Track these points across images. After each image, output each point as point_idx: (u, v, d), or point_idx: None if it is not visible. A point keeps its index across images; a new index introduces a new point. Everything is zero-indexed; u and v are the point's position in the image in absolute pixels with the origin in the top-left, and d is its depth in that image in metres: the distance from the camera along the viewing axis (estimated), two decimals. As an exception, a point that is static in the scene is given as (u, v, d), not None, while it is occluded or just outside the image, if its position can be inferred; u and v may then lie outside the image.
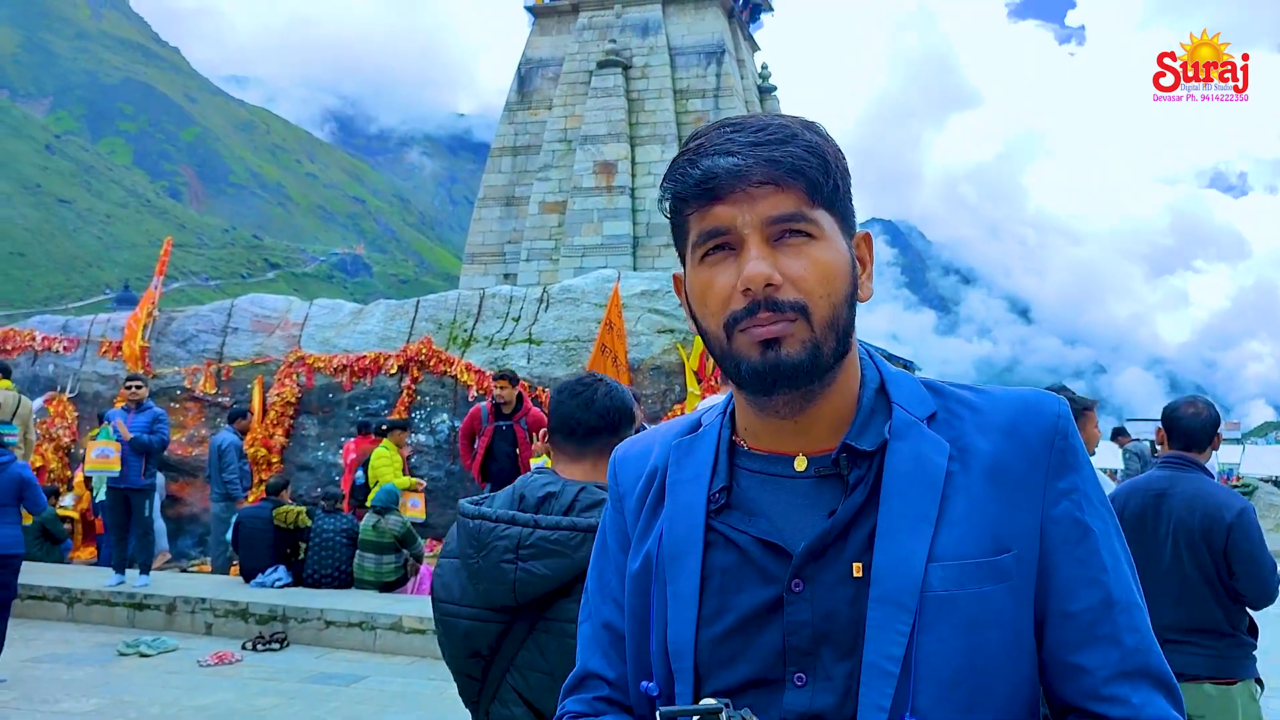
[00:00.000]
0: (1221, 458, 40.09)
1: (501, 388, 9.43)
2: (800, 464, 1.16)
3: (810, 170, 1.10)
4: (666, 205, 1.17)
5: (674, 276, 1.25)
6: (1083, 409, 4.75)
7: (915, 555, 1.07)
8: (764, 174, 1.09)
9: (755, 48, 31.44)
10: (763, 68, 30.50)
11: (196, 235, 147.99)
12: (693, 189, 1.11)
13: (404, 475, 10.63)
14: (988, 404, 1.16)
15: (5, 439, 8.21)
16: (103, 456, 9.30)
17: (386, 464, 10.27)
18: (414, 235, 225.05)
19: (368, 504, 9.48)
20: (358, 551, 8.99)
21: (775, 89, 30.07)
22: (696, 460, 1.22)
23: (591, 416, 2.26)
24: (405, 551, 9.07)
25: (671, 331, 12.71)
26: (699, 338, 9.29)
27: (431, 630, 7.48)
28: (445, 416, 12.40)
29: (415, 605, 8.09)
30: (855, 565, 1.09)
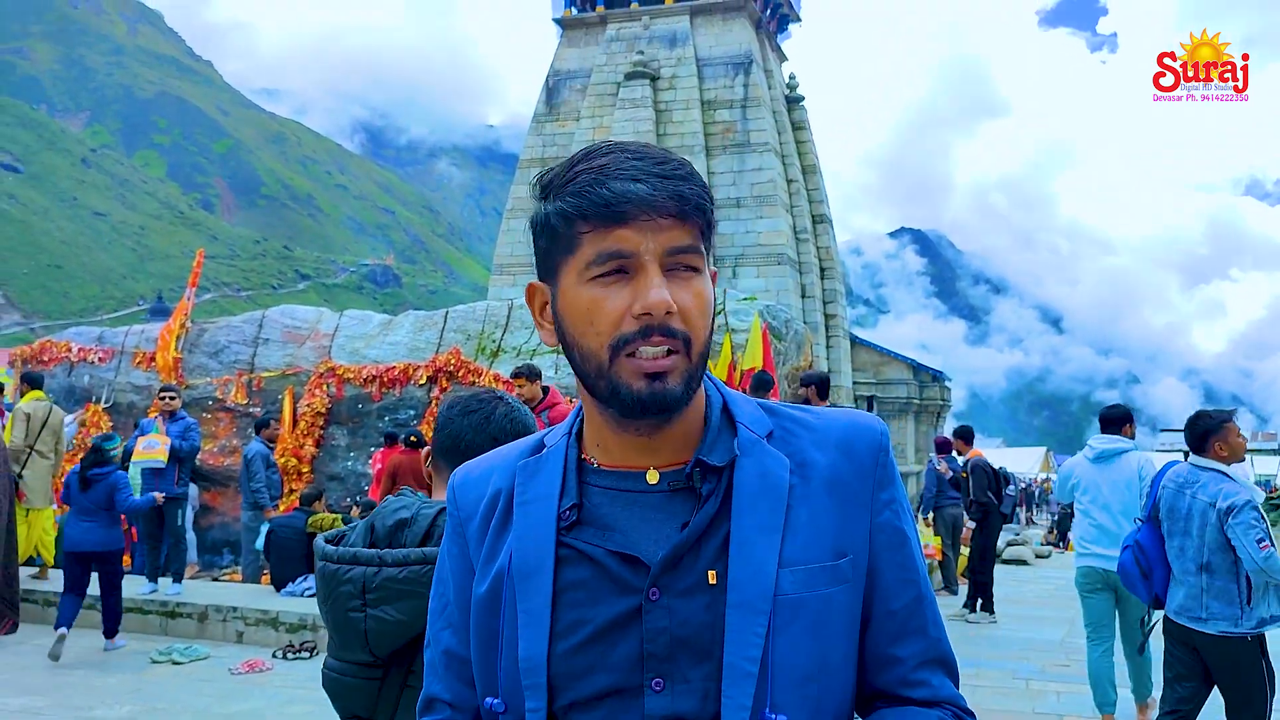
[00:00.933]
0: (1259, 468, 39.45)
1: (520, 385, 8.74)
2: (652, 478, 1.20)
3: (706, 209, 1.17)
4: (553, 216, 1.17)
5: (529, 286, 1.26)
6: (1220, 423, 4.83)
7: (767, 562, 1.14)
8: (672, 206, 1.13)
9: (783, 58, 31.38)
10: (790, 78, 30.36)
11: (228, 246, 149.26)
12: (600, 209, 1.13)
13: None
14: (821, 424, 1.25)
15: (109, 453, 8.54)
16: (150, 448, 9.51)
17: None
18: (443, 246, 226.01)
19: None
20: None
21: (803, 99, 29.93)
22: (543, 479, 1.24)
23: (484, 440, 1.91)
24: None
25: (699, 342, 12.72)
26: (726, 347, 9.30)
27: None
28: (474, 427, 12.50)
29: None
30: (709, 573, 1.15)
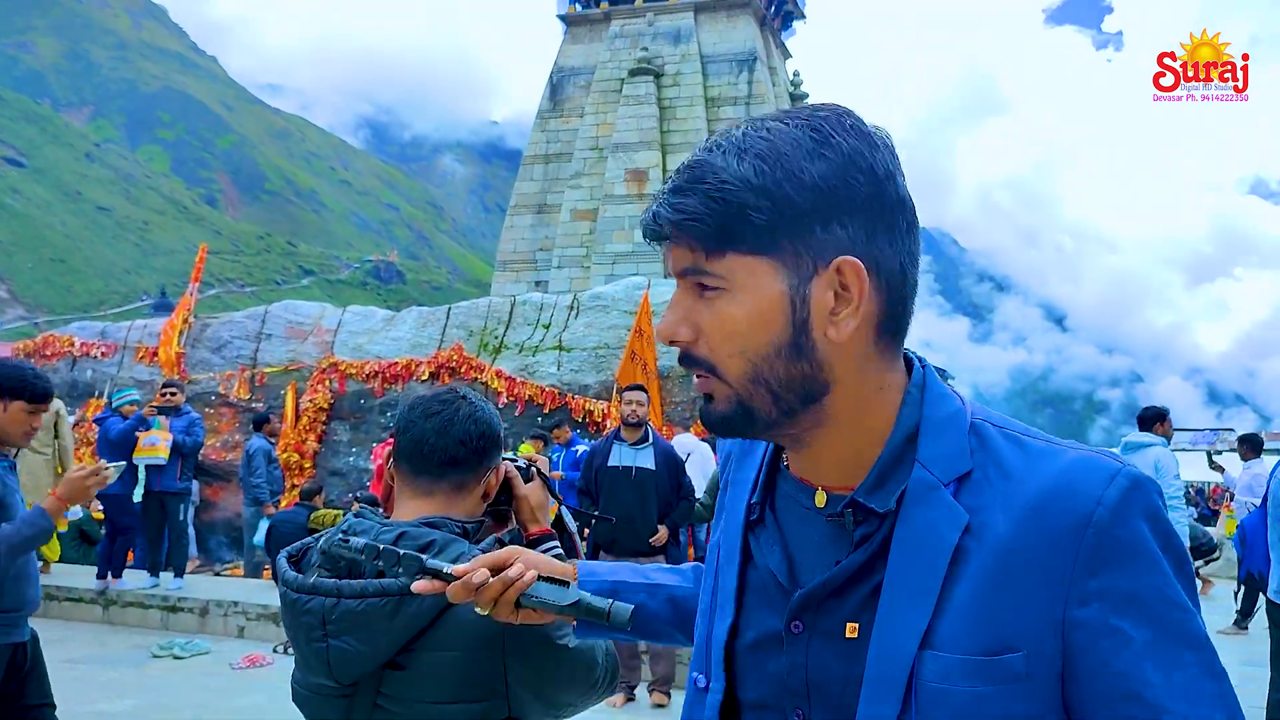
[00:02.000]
0: (1268, 467, 39.03)
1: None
2: (820, 499, 1.08)
3: (697, 226, 1.00)
4: None
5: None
6: None
7: (907, 640, 0.98)
8: (662, 230, 1.03)
9: (787, 55, 31.36)
10: (795, 75, 30.35)
11: (232, 242, 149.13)
12: (644, 231, 1.08)
13: None
14: (1026, 471, 1.01)
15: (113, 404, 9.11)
16: (151, 445, 9.45)
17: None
18: (447, 242, 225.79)
19: None
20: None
21: (807, 96, 29.89)
22: (749, 464, 1.18)
23: (449, 443, 1.82)
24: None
25: (701, 339, 12.71)
26: None
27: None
28: (475, 423, 12.50)
29: (444, 610, 8.16)
30: (849, 625, 1.03)
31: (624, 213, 25.99)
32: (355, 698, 1.71)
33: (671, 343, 1.05)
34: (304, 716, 1.81)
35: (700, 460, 10.18)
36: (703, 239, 1.00)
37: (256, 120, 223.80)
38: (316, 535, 1.86)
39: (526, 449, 10.32)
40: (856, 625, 1.02)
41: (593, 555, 6.72)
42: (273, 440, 11.67)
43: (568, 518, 2.18)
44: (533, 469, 1.99)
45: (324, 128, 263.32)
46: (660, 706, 6.66)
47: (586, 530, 6.76)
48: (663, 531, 6.66)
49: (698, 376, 1.06)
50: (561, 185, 27.56)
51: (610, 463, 6.74)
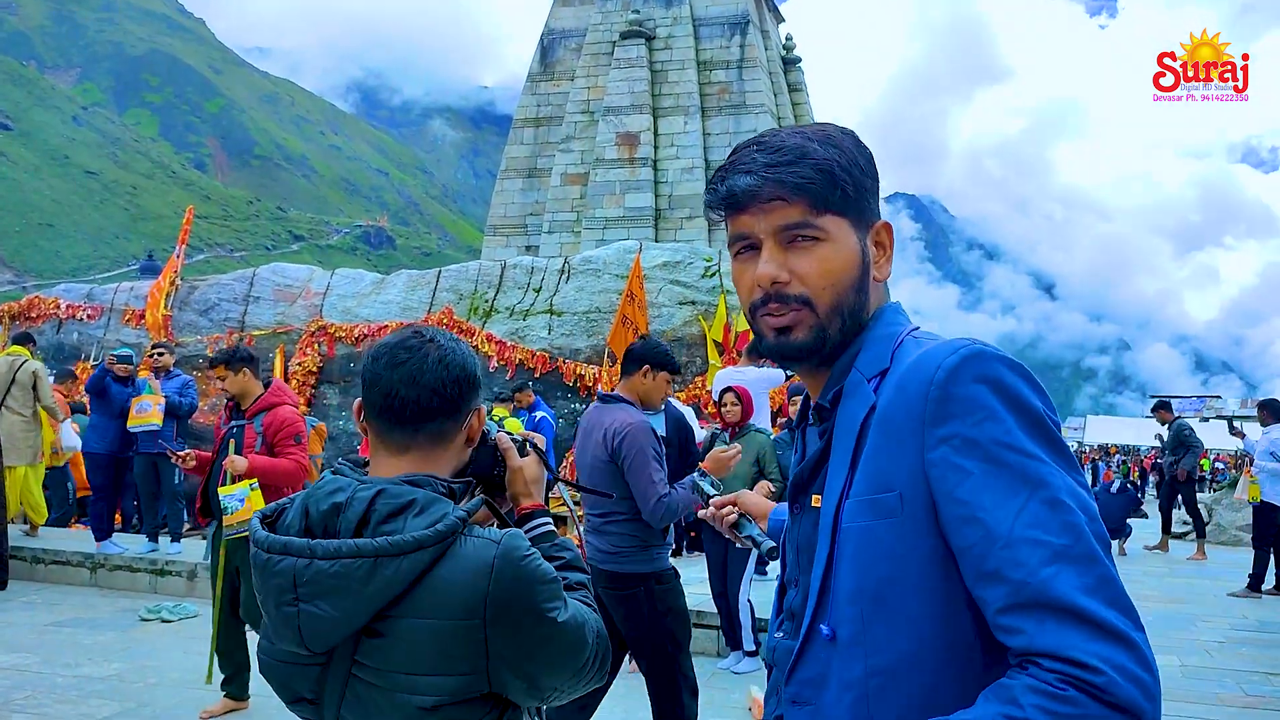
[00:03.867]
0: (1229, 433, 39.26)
1: (221, 375, 8.48)
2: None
3: (814, 187, 1.33)
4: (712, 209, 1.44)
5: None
6: None
7: (836, 494, 1.30)
8: (772, 191, 1.33)
9: (780, 19, 31.02)
10: (787, 39, 30.05)
11: (221, 207, 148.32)
12: (721, 201, 1.40)
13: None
14: (906, 359, 1.31)
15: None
16: (142, 411, 9.23)
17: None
18: (437, 208, 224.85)
19: None
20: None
21: (800, 60, 29.67)
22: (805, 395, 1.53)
23: (421, 392, 1.66)
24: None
25: (693, 303, 12.63)
26: (721, 307, 9.25)
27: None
28: (465, 387, 12.43)
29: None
30: (814, 498, 1.36)
31: (615, 177, 25.80)
32: (329, 667, 1.59)
33: (773, 284, 1.34)
34: (275, 687, 1.68)
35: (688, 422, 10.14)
36: (812, 200, 1.33)
37: (245, 84, 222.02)
38: (294, 495, 1.72)
39: (500, 411, 10.25)
40: (819, 496, 1.35)
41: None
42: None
43: (565, 494, 2.10)
44: (529, 444, 1.89)
45: (313, 91, 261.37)
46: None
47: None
48: None
49: (783, 313, 1.36)
50: (552, 149, 27.30)
51: None
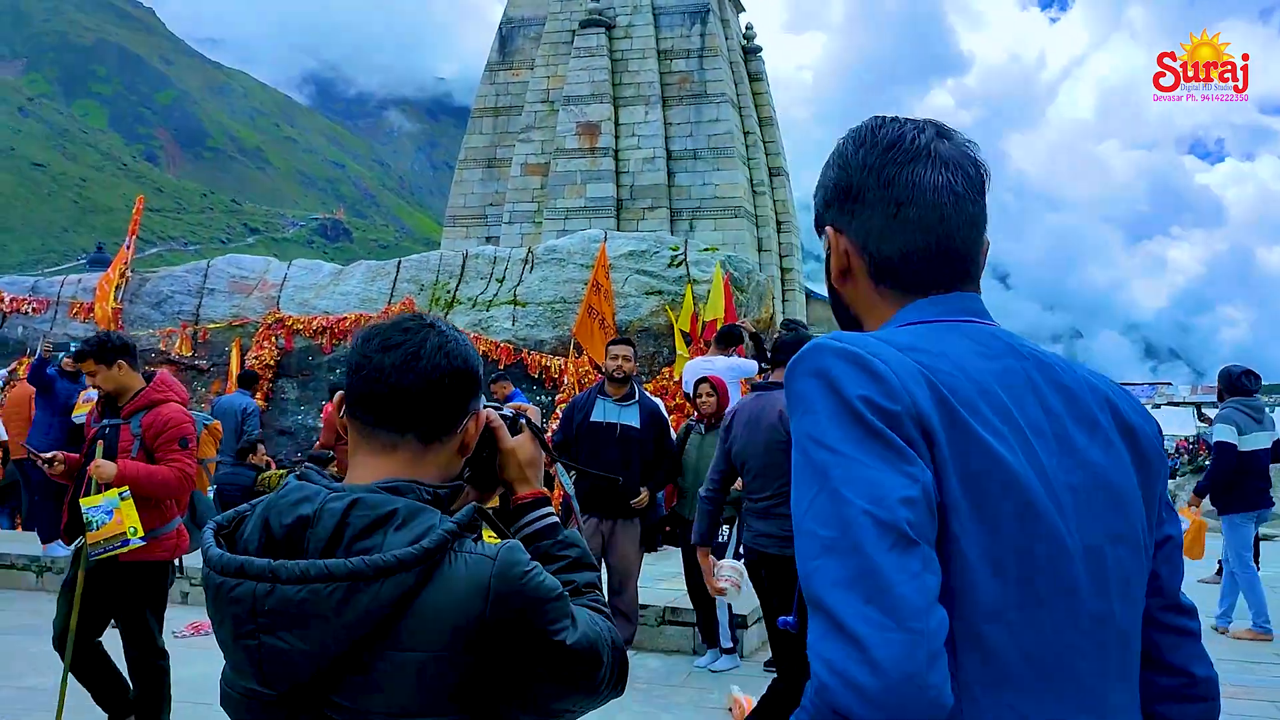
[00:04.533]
0: (1197, 420, 39.95)
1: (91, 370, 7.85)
2: None
3: (816, 203, 1.39)
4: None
5: (829, 231, 1.35)
6: None
7: None
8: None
9: (740, 8, 30.82)
10: (747, 28, 29.87)
11: (174, 199, 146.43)
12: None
13: None
14: None
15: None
16: (89, 400, 8.92)
17: None
18: (394, 200, 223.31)
19: None
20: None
21: (760, 49, 29.49)
22: None
23: (416, 380, 1.45)
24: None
25: (660, 293, 12.43)
26: (688, 298, 9.03)
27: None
28: (428, 380, 12.12)
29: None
30: None
31: (576, 167, 25.62)
32: (296, 708, 1.35)
33: None
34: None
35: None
36: (816, 219, 1.41)
37: (196, 74, 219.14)
38: (254, 501, 1.47)
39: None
40: None
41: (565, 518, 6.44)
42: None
43: (564, 478, 1.84)
44: (521, 419, 1.64)
45: (267, 83, 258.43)
46: None
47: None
48: (644, 494, 6.33)
49: None
50: (511, 139, 27.06)
51: (593, 418, 6.37)
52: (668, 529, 6.64)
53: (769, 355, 8.90)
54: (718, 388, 6.54)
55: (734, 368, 8.40)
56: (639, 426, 6.32)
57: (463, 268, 12.93)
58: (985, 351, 1.20)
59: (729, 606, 6.34)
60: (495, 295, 12.55)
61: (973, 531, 1.07)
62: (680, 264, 12.63)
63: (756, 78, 28.83)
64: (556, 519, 1.58)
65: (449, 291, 12.71)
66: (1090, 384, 1.25)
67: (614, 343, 6.63)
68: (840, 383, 1.11)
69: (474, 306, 12.47)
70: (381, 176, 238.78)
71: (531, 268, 12.76)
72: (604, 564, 6.33)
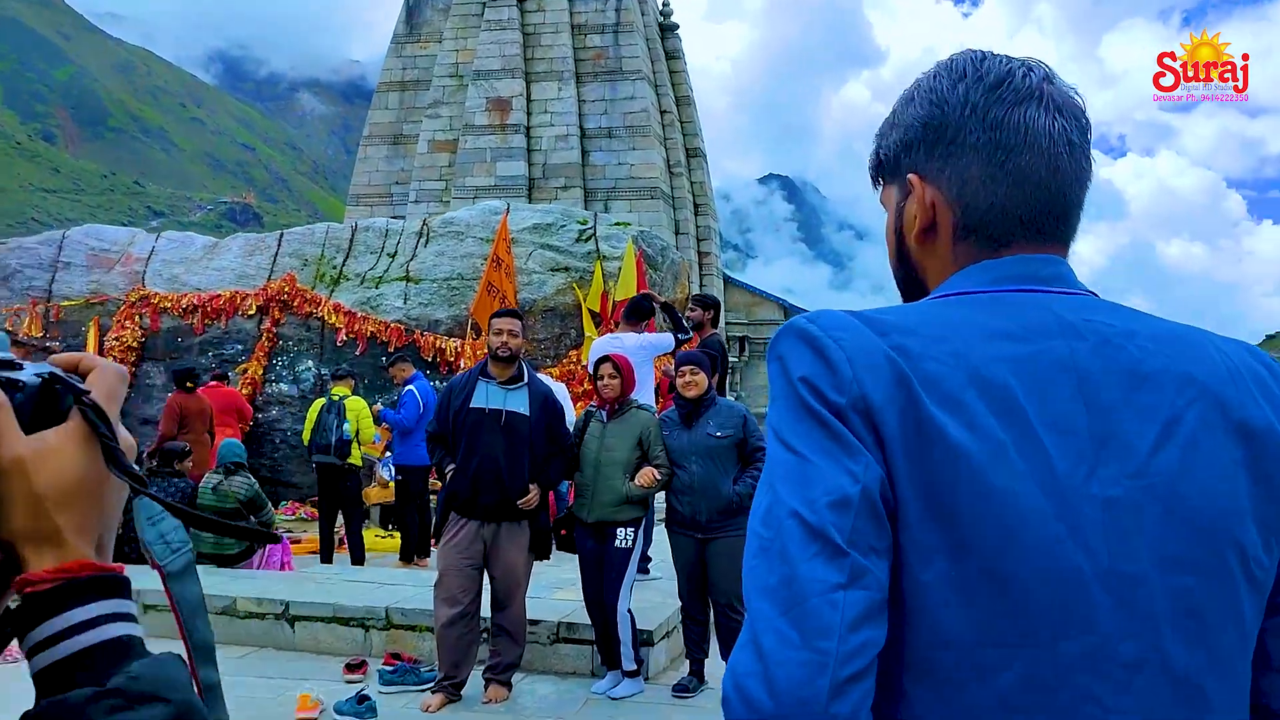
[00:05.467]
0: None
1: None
2: None
3: (871, 165, 1.26)
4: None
5: (912, 178, 1.16)
6: None
7: None
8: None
9: (657, -16, 30.20)
10: (665, 4, 29.24)
11: (73, 180, 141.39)
12: None
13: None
14: None
15: None
16: None
17: (369, 414, 9.12)
18: (306, 184, 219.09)
19: (346, 461, 8.62)
20: (192, 519, 7.61)
21: (678, 27, 28.91)
22: None
23: None
24: (253, 519, 7.73)
25: (567, 270, 11.50)
26: (598, 275, 8.18)
27: (273, 615, 6.23)
28: (310, 363, 11.03)
29: (255, 584, 6.76)
30: None
31: (485, 144, 24.97)
32: None
33: None
34: None
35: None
36: (872, 178, 1.28)
37: (97, 51, 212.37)
38: None
39: (340, 390, 8.96)
40: None
41: (442, 521, 5.45)
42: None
43: (146, 519, 0.85)
44: (64, 392, 0.72)
45: (172, 61, 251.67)
46: (494, 704, 5.28)
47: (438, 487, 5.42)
48: (534, 493, 5.39)
49: None
50: (418, 115, 26.24)
51: (474, 404, 5.37)
52: (563, 533, 5.67)
53: (686, 329, 8.08)
54: (621, 368, 5.59)
55: (645, 345, 7.48)
56: (528, 414, 5.37)
57: (351, 241, 11.85)
58: (1014, 331, 1.01)
59: (632, 623, 5.44)
60: (386, 271, 11.50)
61: (927, 546, 0.93)
62: (589, 239, 11.71)
63: (674, 56, 28.32)
64: (124, 634, 0.67)
65: (335, 267, 11.62)
66: (1188, 374, 1.01)
67: (498, 315, 5.60)
68: (788, 364, 1.03)
69: (362, 283, 11.41)
70: (294, 160, 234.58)
71: (426, 241, 11.73)
72: (487, 575, 5.40)
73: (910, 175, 1.15)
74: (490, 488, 5.25)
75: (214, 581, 6.71)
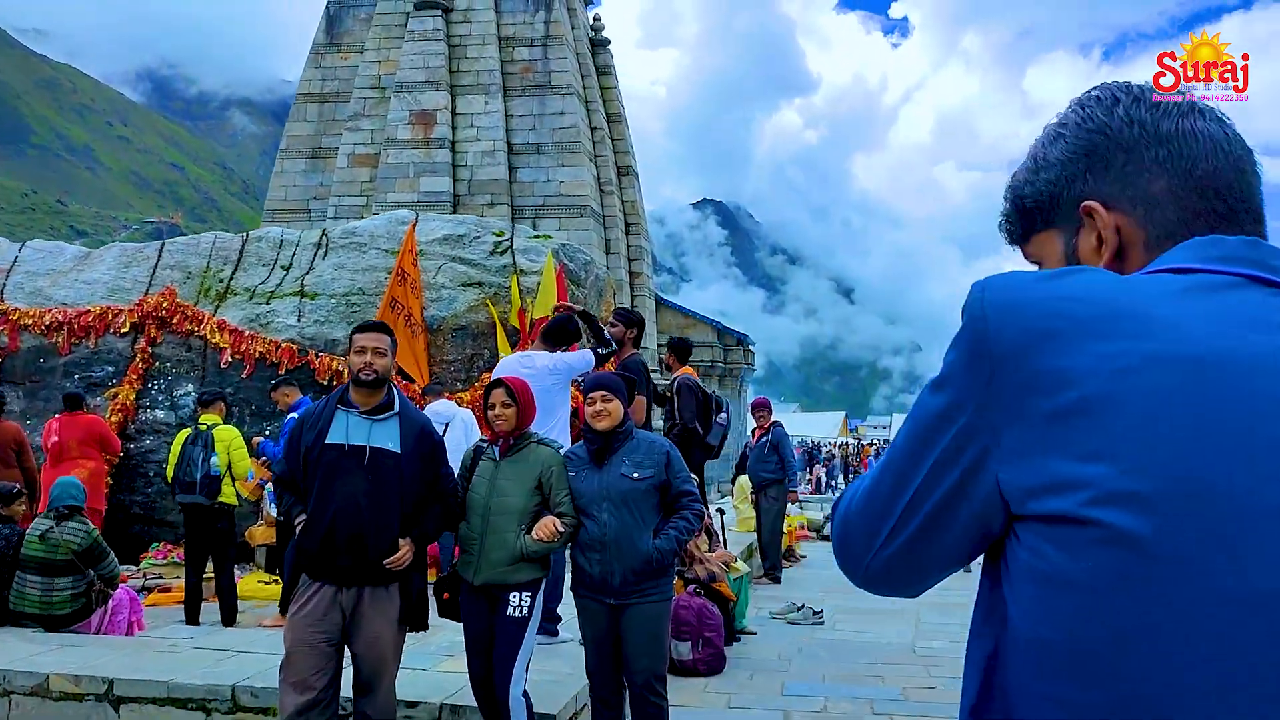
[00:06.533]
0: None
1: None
2: None
3: (1008, 226, 1.29)
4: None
5: (1093, 205, 1.13)
6: None
7: None
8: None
9: (589, 0, 29.50)
10: (595, 19, 28.57)
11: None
12: None
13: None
14: None
15: None
16: None
17: (243, 445, 7.90)
18: (236, 205, 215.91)
19: (216, 500, 7.48)
20: (16, 572, 6.39)
21: (609, 42, 28.23)
22: None
23: None
24: (91, 573, 6.52)
25: (480, 285, 10.47)
26: (514, 291, 7.42)
27: (93, 696, 5.08)
28: (190, 387, 9.83)
29: (77, 656, 5.53)
30: None
31: (409, 159, 24.13)
32: None
33: None
34: None
35: (462, 430, 7.95)
36: (1011, 239, 1.30)
37: (20, 67, 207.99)
38: None
39: (210, 418, 7.83)
40: None
41: (291, 585, 4.38)
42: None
43: None
44: None
45: (98, 79, 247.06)
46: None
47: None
48: (405, 549, 4.29)
49: None
50: (338, 128, 25.30)
51: (330, 439, 4.30)
52: (445, 596, 4.60)
53: (609, 342, 7.04)
54: (518, 394, 4.54)
55: (560, 366, 6.44)
56: (398, 450, 4.30)
57: (241, 252, 10.71)
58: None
59: (528, 708, 4.39)
60: (279, 285, 10.37)
61: None
62: (505, 252, 10.69)
63: (605, 71, 27.66)
64: None
65: (222, 280, 10.46)
66: None
67: (361, 329, 4.51)
68: None
69: (252, 298, 10.27)
70: (224, 180, 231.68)
71: (325, 253, 10.63)
72: (348, 652, 4.33)
73: (1089, 203, 1.12)
74: (350, 544, 4.18)
75: (25, 653, 5.51)
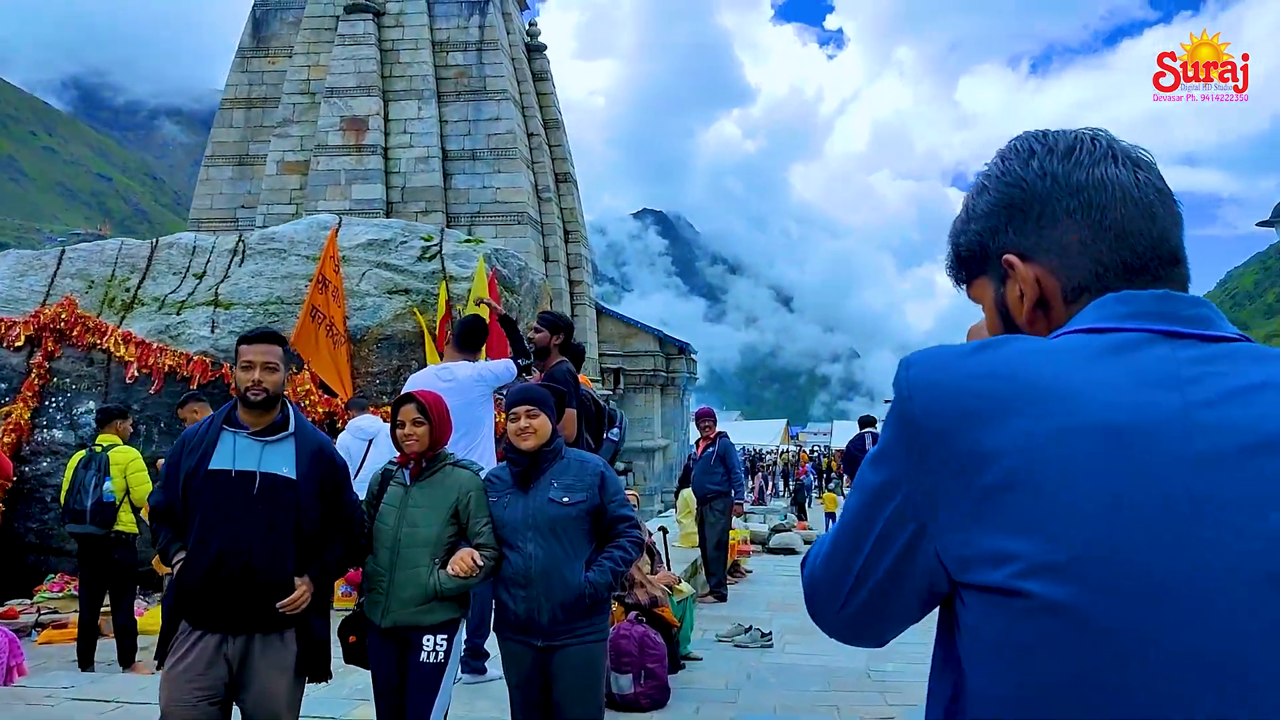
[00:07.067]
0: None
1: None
2: None
3: (951, 268, 1.32)
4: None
5: (1011, 259, 1.17)
6: None
7: None
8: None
9: (524, 6, 29.04)
10: (531, 24, 28.12)
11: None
12: None
13: None
14: None
15: None
16: None
17: (143, 468, 7.18)
18: (167, 216, 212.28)
19: (112, 530, 6.90)
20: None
21: (545, 48, 27.80)
22: None
23: None
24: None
25: (407, 292, 9.92)
26: (442, 298, 6.93)
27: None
28: (92, 404, 9.13)
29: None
30: None
31: (340, 166, 23.56)
32: None
33: None
34: None
35: (387, 448, 7.36)
36: (955, 279, 1.29)
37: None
38: None
39: (107, 439, 7.19)
40: None
41: (168, 634, 3.81)
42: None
43: None
44: None
45: (21, 87, 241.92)
46: None
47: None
48: (302, 589, 3.71)
49: None
50: (266, 134, 24.63)
51: (214, 465, 3.70)
52: (351, 640, 4.05)
53: (527, 353, 6.51)
54: (429, 410, 4.02)
55: (483, 377, 5.92)
56: (294, 475, 3.75)
57: (150, 259, 10.04)
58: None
59: (447, 767, 3.87)
60: (191, 294, 9.73)
61: None
62: (434, 257, 10.14)
63: (541, 77, 27.25)
64: None
65: (129, 290, 9.78)
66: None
67: (247, 340, 3.93)
68: None
69: (161, 309, 9.61)
70: (154, 191, 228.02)
71: (241, 260, 10.00)
72: (236, 710, 3.76)
73: (1007, 256, 1.15)
74: (237, 585, 3.60)
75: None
